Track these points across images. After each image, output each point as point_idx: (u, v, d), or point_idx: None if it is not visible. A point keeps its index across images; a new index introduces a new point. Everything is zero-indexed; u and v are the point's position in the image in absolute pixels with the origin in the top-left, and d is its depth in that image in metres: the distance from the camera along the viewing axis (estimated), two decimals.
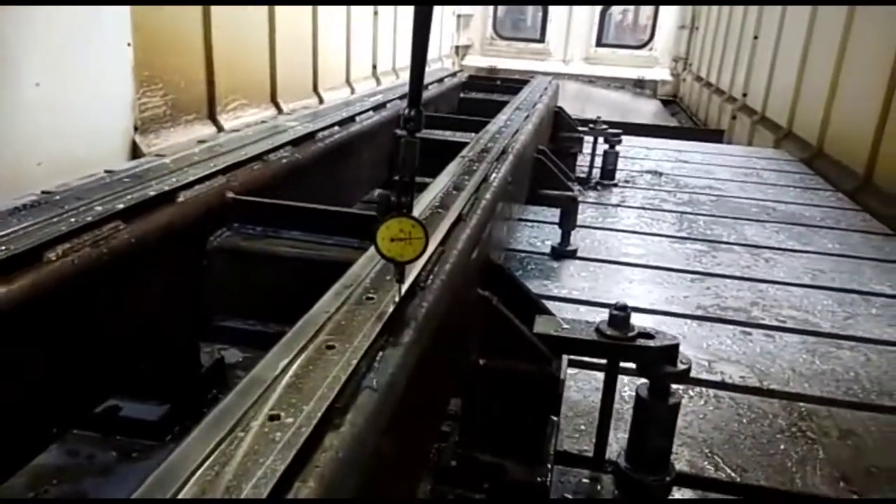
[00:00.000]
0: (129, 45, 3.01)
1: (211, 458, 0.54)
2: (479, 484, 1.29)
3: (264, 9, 4.36)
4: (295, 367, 0.69)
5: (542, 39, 11.66)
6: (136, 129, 3.13)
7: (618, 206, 3.34)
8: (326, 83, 5.38)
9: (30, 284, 0.90)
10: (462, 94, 3.99)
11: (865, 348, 2.03)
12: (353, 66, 6.05)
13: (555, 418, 1.35)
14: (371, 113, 2.34)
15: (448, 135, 2.44)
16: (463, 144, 2.06)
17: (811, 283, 2.49)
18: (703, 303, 2.27)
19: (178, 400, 1.44)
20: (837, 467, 1.47)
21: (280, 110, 4.52)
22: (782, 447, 1.53)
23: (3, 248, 0.91)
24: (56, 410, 1.20)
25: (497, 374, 1.26)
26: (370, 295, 0.87)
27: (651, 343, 1.29)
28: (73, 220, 1.03)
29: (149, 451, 1.38)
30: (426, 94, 3.28)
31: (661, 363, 1.28)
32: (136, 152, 3.16)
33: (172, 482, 0.52)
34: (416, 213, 1.29)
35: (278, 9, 4.43)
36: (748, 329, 2.09)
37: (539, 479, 1.28)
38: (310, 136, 1.84)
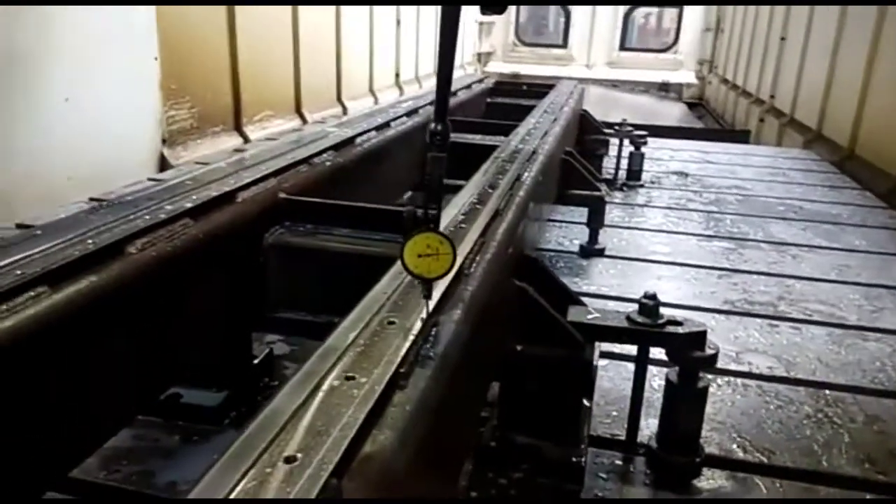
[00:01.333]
0: (156, 58, 3.05)
1: (304, 408, 0.63)
2: (517, 464, 1.38)
3: (288, 19, 4.39)
4: (363, 339, 0.78)
5: (564, 45, 11.68)
6: (163, 141, 3.17)
7: (644, 206, 3.40)
8: (350, 93, 5.41)
9: (115, 276, 1.00)
10: (489, 99, 4.08)
11: (892, 340, 2.07)
12: (376, 75, 6.08)
13: (588, 403, 1.43)
14: (405, 118, 2.44)
15: (478, 138, 2.53)
16: (493, 147, 2.15)
17: (838, 278, 2.53)
18: (730, 297, 2.32)
19: (234, 388, 1.54)
20: (862, 450, 1.52)
21: (304, 120, 4.55)
22: (808, 432, 1.58)
23: (91, 242, 1.02)
24: (126, 398, 1.30)
25: (533, 360, 1.34)
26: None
27: (679, 330, 1.36)
28: (147, 216, 1.13)
29: (208, 434, 1.48)
30: (454, 101, 3.37)
31: (689, 348, 1.35)
32: (163, 165, 3.18)
33: (272, 428, 0.61)
34: (455, 210, 1.38)
35: (301, 18, 4.47)
36: (775, 322, 2.15)
37: (574, 459, 1.36)
38: (350, 141, 1.95)
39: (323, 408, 0.64)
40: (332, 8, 5.03)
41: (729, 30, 9.84)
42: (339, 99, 5.29)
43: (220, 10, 3.62)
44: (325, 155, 1.75)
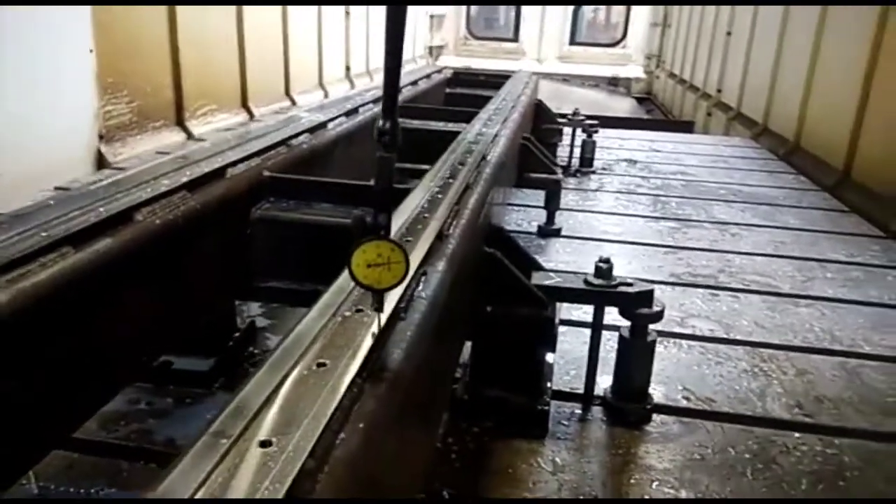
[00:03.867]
0: (91, 51, 2.90)
1: (325, 329, 0.76)
2: (488, 414, 1.52)
3: (232, 10, 4.21)
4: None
5: (515, 39, 11.86)
6: (101, 137, 3.02)
7: (597, 190, 3.59)
8: (299, 86, 5.25)
9: (129, 239, 1.10)
10: (448, 90, 4.21)
11: (820, 305, 2.28)
12: (325, 69, 5.92)
13: (550, 358, 1.58)
14: (371, 105, 2.55)
15: (441, 125, 2.66)
16: (456, 133, 2.28)
17: (773, 252, 2.76)
18: (675, 271, 2.51)
19: (222, 355, 1.64)
20: (792, 397, 1.71)
21: (251, 115, 4.41)
22: (745, 383, 1.77)
23: (102, 209, 1.11)
24: (125, 361, 1.39)
25: (502, 319, 1.49)
26: (408, 238, 1.09)
27: (630, 290, 1.52)
28: (149, 189, 1.23)
29: (200, 397, 1.58)
30: (416, 90, 3.49)
31: (639, 306, 1.51)
32: (101, 162, 3.05)
33: (303, 342, 0.73)
34: (430, 183, 1.51)
35: (247, 9, 4.30)
36: (716, 291, 2.34)
37: (539, 407, 1.51)
38: (322, 126, 2.06)
39: (340, 330, 0.77)
40: None
41: (676, 25, 10.11)
42: (287, 93, 5.15)
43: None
44: (301, 137, 1.86)
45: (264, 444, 0.56)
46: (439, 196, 1.35)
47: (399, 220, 1.19)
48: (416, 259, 1.00)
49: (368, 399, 0.67)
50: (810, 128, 4.45)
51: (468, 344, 1.55)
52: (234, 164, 1.48)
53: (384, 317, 0.80)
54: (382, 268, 0.76)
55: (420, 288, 0.93)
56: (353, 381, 0.67)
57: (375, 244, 0.76)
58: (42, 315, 0.97)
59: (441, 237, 1.13)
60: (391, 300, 0.83)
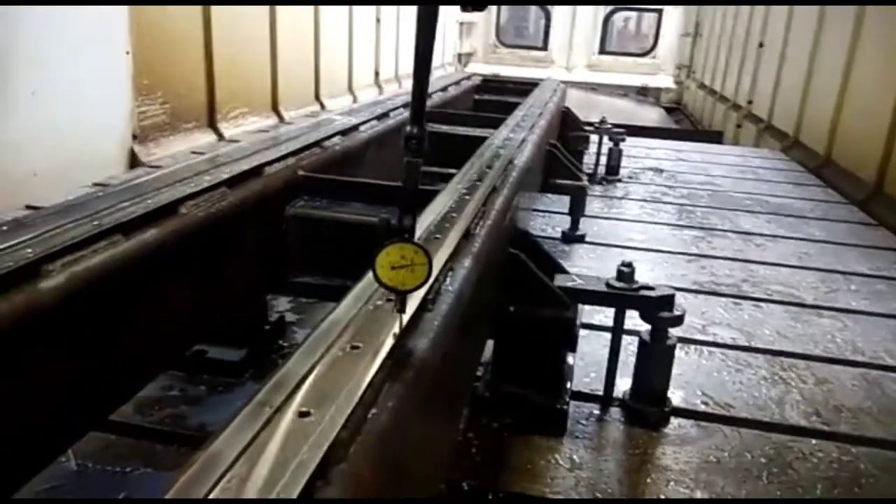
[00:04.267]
0: (128, 53, 2.96)
1: (357, 316, 0.81)
2: (508, 411, 1.56)
3: (265, 16, 4.27)
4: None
5: (544, 47, 11.86)
6: (134, 137, 3.07)
7: (622, 198, 3.61)
8: (328, 91, 5.28)
9: (173, 231, 1.16)
10: (476, 96, 4.27)
11: (843, 317, 2.28)
12: (355, 74, 5.95)
13: (571, 358, 1.62)
14: (401, 109, 2.61)
15: (469, 130, 2.71)
16: (483, 138, 2.33)
17: (797, 263, 2.76)
18: (698, 279, 2.53)
19: (253, 346, 1.71)
20: (810, 405, 1.73)
21: (281, 118, 4.43)
22: (764, 390, 1.79)
23: (150, 200, 1.18)
24: (162, 348, 1.46)
25: (524, 319, 1.53)
26: (437, 236, 1.14)
27: (651, 293, 1.55)
28: (192, 184, 1.30)
29: (231, 386, 1.65)
30: (445, 96, 3.55)
31: (659, 309, 1.54)
32: (134, 161, 3.08)
33: (338, 327, 0.78)
34: (458, 186, 1.56)
35: (280, 16, 4.35)
36: (738, 300, 2.36)
37: (558, 406, 1.55)
38: (354, 128, 2.12)
39: (372, 318, 0.82)
40: (311, 6, 4.95)
41: (707, 35, 10.05)
42: (317, 97, 5.18)
43: (196, 5, 3.53)
44: (335, 139, 1.92)
45: (303, 414, 0.61)
46: (466, 197, 1.39)
47: (427, 219, 1.24)
48: (443, 255, 1.05)
49: (397, 381, 0.71)
50: (842, 141, 4.40)
51: (490, 343, 1.60)
52: (270, 163, 1.55)
53: (406, 317, 0.82)
54: (406, 269, 0.77)
55: (447, 282, 0.98)
56: (383, 364, 0.72)
57: (399, 246, 0.78)
58: (91, 299, 1.03)
59: (468, 236, 1.18)
60: (416, 298, 0.86)
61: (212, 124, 3.73)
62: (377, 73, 6.64)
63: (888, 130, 3.66)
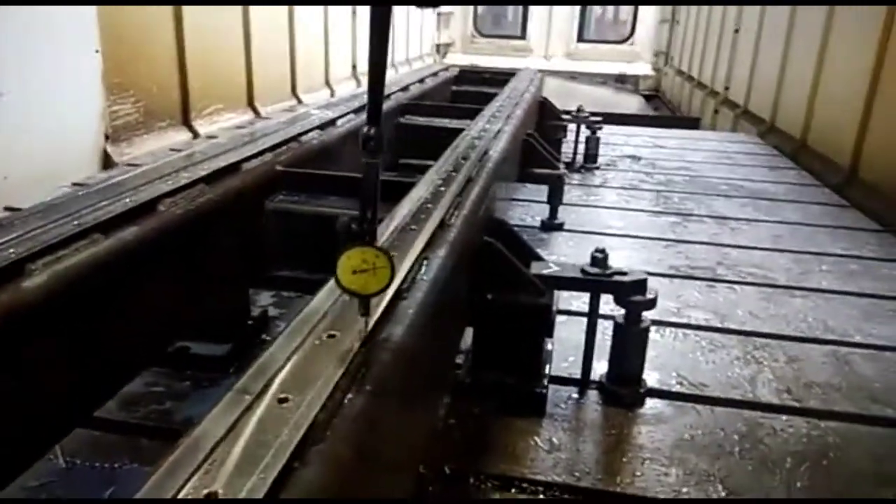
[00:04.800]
0: (97, 51, 2.91)
1: (335, 305, 0.84)
2: (488, 396, 1.60)
3: (238, 10, 4.23)
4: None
5: (523, 36, 11.87)
6: (107, 137, 3.03)
7: (600, 186, 3.66)
8: (305, 85, 5.23)
9: (152, 228, 1.18)
10: (454, 87, 4.29)
11: (815, 296, 2.34)
12: (332, 67, 5.90)
13: (548, 344, 1.66)
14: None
15: (446, 122, 2.74)
16: (460, 130, 2.36)
17: (771, 246, 2.82)
18: (674, 263, 2.58)
19: (236, 341, 1.73)
20: (782, 383, 1.78)
21: (258, 114, 4.40)
22: (737, 370, 1.84)
23: (128, 199, 1.20)
24: (145, 344, 1.48)
25: (502, 306, 1.56)
26: (412, 227, 1.17)
27: (625, 278, 1.60)
28: (170, 182, 1.32)
29: (216, 381, 1.67)
30: (423, 88, 3.57)
31: (633, 293, 1.58)
32: (107, 162, 3.04)
33: (313, 318, 0.81)
34: (434, 177, 1.59)
35: (253, 9, 4.31)
36: (713, 283, 2.41)
37: (537, 390, 1.59)
38: (332, 122, 2.14)
39: (346, 306, 0.85)
40: None
41: (684, 21, 10.07)
42: (293, 91, 5.14)
43: None
44: (312, 133, 1.95)
45: (282, 400, 0.64)
46: (442, 189, 1.43)
47: (403, 210, 1.27)
48: (419, 245, 1.08)
49: (374, 366, 0.75)
50: (817, 126, 4.45)
51: (469, 331, 1.63)
52: (248, 158, 1.57)
53: (372, 321, 0.81)
54: (368, 273, 0.77)
55: (422, 271, 1.01)
56: (359, 350, 0.75)
57: (361, 250, 0.77)
58: (74, 298, 1.06)
59: (443, 226, 1.21)
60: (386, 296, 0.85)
61: (186, 122, 3.69)
62: (354, 66, 6.58)
63: (862, 115, 3.72)
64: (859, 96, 3.75)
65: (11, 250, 0.95)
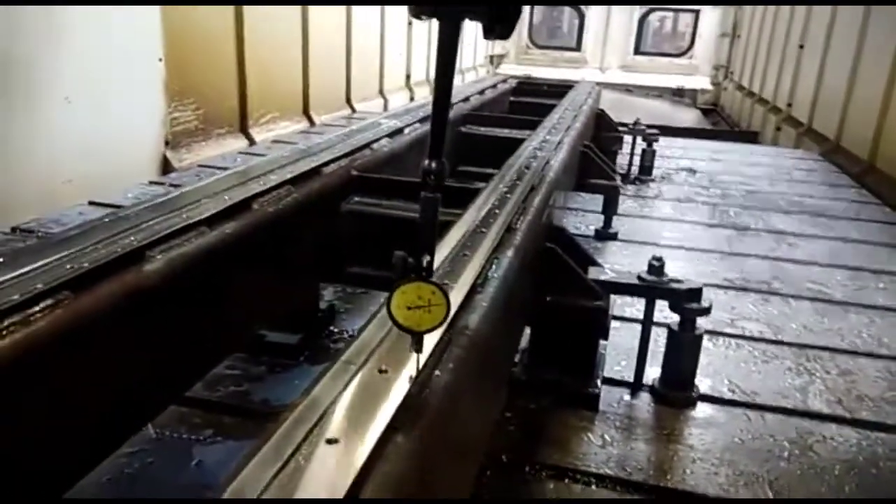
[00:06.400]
0: (160, 59, 2.99)
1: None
2: (544, 394, 1.68)
3: (297, 18, 4.27)
4: (446, 263, 1.09)
5: (578, 48, 11.75)
6: (167, 143, 3.10)
7: (655, 198, 3.70)
8: (359, 95, 5.26)
9: (246, 224, 1.31)
10: (512, 98, 4.38)
11: (871, 313, 2.35)
12: (386, 78, 5.92)
13: (604, 343, 1.73)
14: None
15: (506, 132, 2.83)
16: (521, 140, 2.45)
17: (828, 262, 2.82)
18: (729, 276, 2.61)
19: (307, 331, 1.85)
20: (833, 394, 1.81)
21: (312, 122, 4.44)
22: (789, 380, 1.88)
23: (226, 196, 1.33)
24: (226, 334, 1.61)
25: (560, 308, 1.65)
26: (482, 229, 1.26)
27: (680, 286, 1.66)
28: (261, 181, 1.45)
29: (289, 367, 1.80)
30: (483, 99, 3.68)
31: (688, 301, 1.65)
32: (166, 167, 3.13)
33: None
34: (500, 185, 1.69)
35: (312, 20, 4.36)
36: (768, 297, 2.44)
37: (591, 390, 1.66)
38: (399, 131, 2.26)
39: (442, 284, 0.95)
40: (343, 7, 4.92)
41: (746, 35, 9.90)
42: (348, 101, 5.18)
43: (228, 10, 3.54)
44: (383, 141, 2.07)
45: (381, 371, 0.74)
46: (507, 196, 1.52)
47: (472, 213, 1.37)
48: (487, 246, 1.18)
49: (450, 359, 0.84)
50: (887, 147, 4.27)
51: (527, 331, 1.72)
52: (327, 163, 1.69)
53: (423, 358, 0.78)
54: (423, 310, 0.74)
55: (493, 269, 1.10)
56: (439, 341, 0.84)
57: (416, 286, 0.74)
58: (182, 284, 1.18)
59: (510, 230, 1.30)
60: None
61: (243, 129, 3.75)
62: (408, 77, 6.60)
63: None
64: None
65: (132, 238, 1.08)
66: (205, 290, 1.25)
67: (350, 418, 0.67)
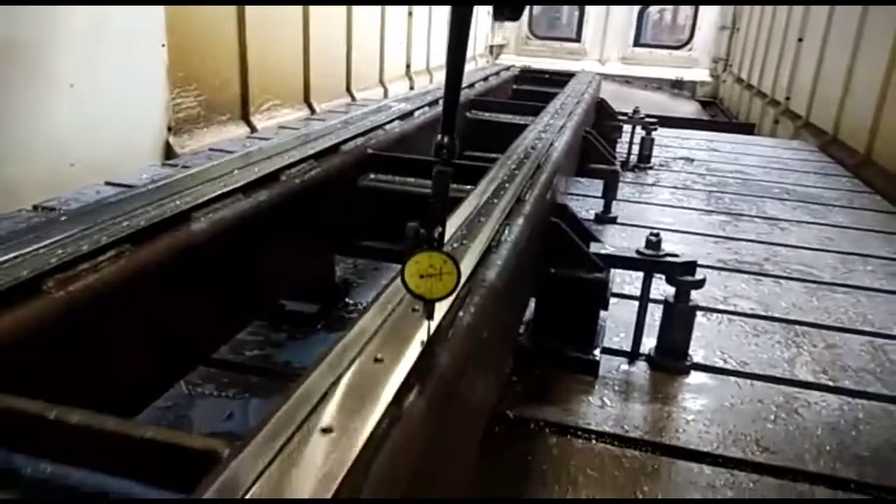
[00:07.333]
0: (163, 45, 3.02)
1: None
2: (547, 360, 1.79)
3: (298, 9, 4.32)
4: (462, 227, 1.19)
5: (578, 39, 11.79)
6: (169, 129, 3.15)
7: (653, 185, 3.80)
8: (359, 83, 5.30)
9: (276, 194, 1.41)
10: (515, 86, 4.48)
11: (858, 293, 2.46)
12: (386, 66, 5.97)
13: (604, 313, 1.84)
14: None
15: (510, 118, 2.93)
16: (524, 126, 2.55)
17: (819, 246, 2.93)
18: (723, 258, 2.73)
19: (324, 301, 1.96)
20: (819, 365, 1.93)
21: (313, 111, 4.49)
22: (777, 352, 1.99)
23: (257, 168, 1.43)
24: (251, 300, 1.71)
25: (563, 280, 1.76)
26: (494, 200, 1.37)
27: (676, 259, 1.77)
28: (286, 156, 1.55)
29: (307, 335, 1.90)
30: (487, 85, 3.77)
31: (683, 274, 1.76)
32: (169, 153, 3.18)
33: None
34: (509, 162, 1.79)
35: (312, 8, 4.40)
36: (760, 277, 2.55)
37: (591, 357, 1.78)
38: (410, 114, 2.36)
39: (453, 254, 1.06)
40: None
41: (745, 28, 9.93)
42: (348, 89, 5.21)
43: None
44: (395, 123, 2.18)
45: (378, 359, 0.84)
46: (516, 172, 1.63)
47: (483, 186, 1.47)
48: (498, 214, 1.28)
49: (471, 304, 0.95)
50: (883, 139, 4.34)
51: (532, 302, 1.83)
52: (345, 141, 1.80)
53: (434, 324, 0.82)
54: (434, 278, 0.77)
55: (506, 233, 1.21)
56: (451, 306, 0.94)
57: (428, 255, 0.78)
58: (222, 246, 1.29)
59: (519, 201, 1.41)
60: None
61: (245, 117, 3.80)
62: (408, 66, 6.63)
63: None
64: None
65: (178, 201, 1.19)
66: (239, 255, 1.35)
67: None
